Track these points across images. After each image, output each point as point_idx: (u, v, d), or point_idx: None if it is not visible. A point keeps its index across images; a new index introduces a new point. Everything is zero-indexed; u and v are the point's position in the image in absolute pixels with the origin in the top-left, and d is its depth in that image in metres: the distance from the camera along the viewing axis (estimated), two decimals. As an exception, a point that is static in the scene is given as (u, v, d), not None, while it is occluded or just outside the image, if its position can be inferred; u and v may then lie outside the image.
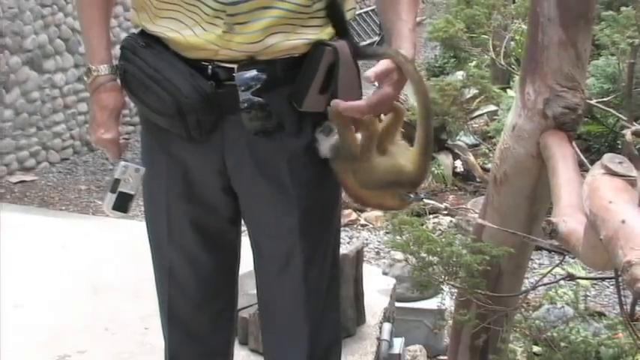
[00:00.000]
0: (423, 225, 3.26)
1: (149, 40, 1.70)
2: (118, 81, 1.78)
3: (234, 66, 1.65)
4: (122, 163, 1.78)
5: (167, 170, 1.80)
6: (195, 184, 1.79)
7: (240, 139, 1.71)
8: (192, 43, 1.64)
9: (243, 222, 1.89)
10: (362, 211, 5.33)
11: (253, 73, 1.65)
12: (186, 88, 1.64)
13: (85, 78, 1.82)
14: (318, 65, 1.65)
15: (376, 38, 10.40)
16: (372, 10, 10.87)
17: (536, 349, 2.63)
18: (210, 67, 1.66)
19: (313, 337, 1.86)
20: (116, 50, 1.72)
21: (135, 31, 1.78)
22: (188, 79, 1.65)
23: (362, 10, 10.92)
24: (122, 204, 1.78)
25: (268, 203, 1.77)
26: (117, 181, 1.77)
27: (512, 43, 4.58)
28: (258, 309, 1.98)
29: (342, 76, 1.66)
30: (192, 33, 1.64)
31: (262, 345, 2.03)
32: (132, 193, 1.79)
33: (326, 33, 1.68)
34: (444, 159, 6.03)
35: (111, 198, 1.78)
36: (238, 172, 1.75)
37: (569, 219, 1.42)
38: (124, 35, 6.63)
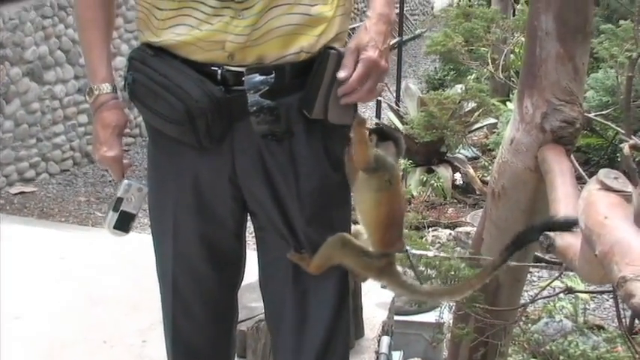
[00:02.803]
0: (422, 238, 3.25)
1: (157, 50, 1.71)
2: (121, 97, 1.79)
3: (243, 70, 1.66)
4: (125, 181, 1.77)
5: (175, 182, 1.79)
6: (204, 194, 1.78)
7: (251, 146, 1.71)
8: (200, 38, 1.65)
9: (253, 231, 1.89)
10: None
11: (262, 76, 1.66)
12: (196, 93, 1.65)
13: (87, 98, 1.82)
14: (324, 70, 1.66)
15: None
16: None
17: (534, 362, 2.63)
18: (219, 71, 1.67)
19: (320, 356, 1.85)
20: (116, 62, 1.73)
21: (139, 43, 1.79)
22: (198, 84, 1.66)
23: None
24: (124, 223, 1.77)
25: (275, 210, 1.77)
26: (119, 200, 1.76)
27: (511, 55, 4.60)
28: (267, 323, 1.97)
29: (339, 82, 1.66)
30: (199, 31, 1.65)
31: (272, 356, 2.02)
32: (134, 212, 1.78)
33: (328, 7, 1.68)
34: (444, 172, 6.03)
35: (112, 217, 1.76)
36: (248, 179, 1.75)
37: (566, 233, 1.42)
38: (124, 47, 6.67)
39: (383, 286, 3.52)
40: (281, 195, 1.75)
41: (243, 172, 1.74)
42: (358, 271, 1.78)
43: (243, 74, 1.66)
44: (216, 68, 1.67)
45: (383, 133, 1.73)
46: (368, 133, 1.71)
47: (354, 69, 1.63)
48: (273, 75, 1.66)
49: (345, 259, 1.77)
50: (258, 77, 1.66)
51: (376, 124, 1.78)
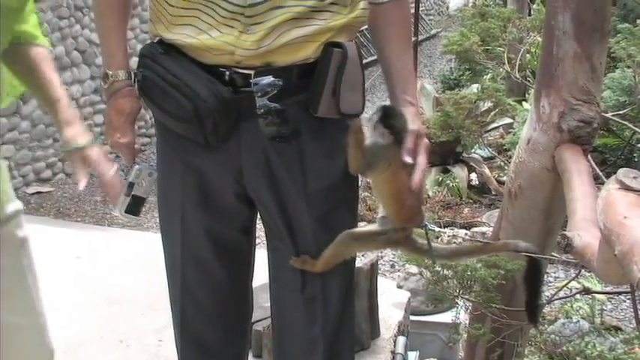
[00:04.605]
0: (438, 238, 3.24)
1: (168, 47, 1.72)
2: (135, 87, 1.80)
3: (251, 72, 1.67)
4: (136, 166, 1.80)
5: (183, 178, 1.80)
6: (211, 191, 1.79)
7: (257, 146, 1.72)
8: (209, 45, 1.65)
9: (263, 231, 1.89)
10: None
11: (270, 79, 1.66)
12: (204, 93, 1.66)
13: (102, 83, 1.84)
14: (328, 68, 1.66)
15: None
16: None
17: (551, 363, 2.62)
18: (227, 72, 1.68)
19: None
20: (132, 61, 1.74)
21: (153, 40, 1.80)
22: (206, 84, 1.66)
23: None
24: (134, 207, 1.79)
25: (283, 210, 1.78)
26: (131, 185, 1.78)
27: (527, 55, 4.58)
28: (272, 324, 1.97)
29: (346, 75, 1.66)
30: (208, 36, 1.65)
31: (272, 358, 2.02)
32: (144, 196, 1.80)
33: (333, 23, 1.68)
34: (459, 172, 6.02)
35: (124, 201, 1.79)
36: (254, 179, 1.76)
37: (584, 233, 1.41)
38: (140, 47, 6.69)
39: (399, 287, 3.53)
40: (285, 195, 1.75)
41: (248, 172, 1.75)
42: (377, 250, 1.81)
43: (251, 76, 1.67)
44: (224, 70, 1.67)
45: (389, 117, 1.71)
46: (379, 109, 1.71)
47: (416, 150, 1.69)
48: (281, 79, 1.66)
49: (360, 249, 1.79)
50: (266, 80, 1.66)
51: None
